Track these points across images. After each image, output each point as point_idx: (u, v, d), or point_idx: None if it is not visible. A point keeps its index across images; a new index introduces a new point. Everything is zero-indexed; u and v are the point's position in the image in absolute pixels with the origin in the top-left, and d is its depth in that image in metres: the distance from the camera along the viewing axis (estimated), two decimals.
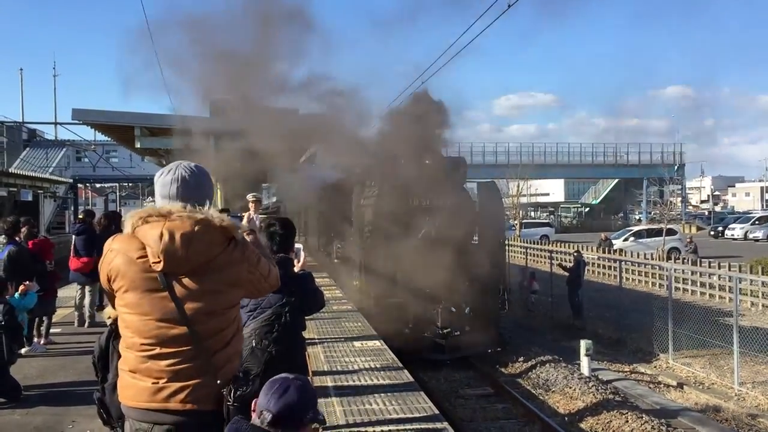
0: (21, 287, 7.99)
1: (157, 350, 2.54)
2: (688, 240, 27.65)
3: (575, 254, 18.69)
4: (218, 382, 2.51)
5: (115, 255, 2.61)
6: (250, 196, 8.51)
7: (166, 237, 2.51)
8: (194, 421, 2.52)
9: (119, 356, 2.73)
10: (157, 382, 2.53)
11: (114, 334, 3.18)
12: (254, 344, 4.09)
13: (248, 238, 2.96)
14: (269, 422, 2.16)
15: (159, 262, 2.51)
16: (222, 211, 3.14)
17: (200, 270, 2.55)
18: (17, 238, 9.13)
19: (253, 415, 2.22)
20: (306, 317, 4.62)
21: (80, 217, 11.81)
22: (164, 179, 2.70)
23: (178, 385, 2.52)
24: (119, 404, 2.71)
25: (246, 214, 2.75)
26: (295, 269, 4.52)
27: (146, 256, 2.54)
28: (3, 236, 9.13)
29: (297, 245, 4.72)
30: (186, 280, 2.55)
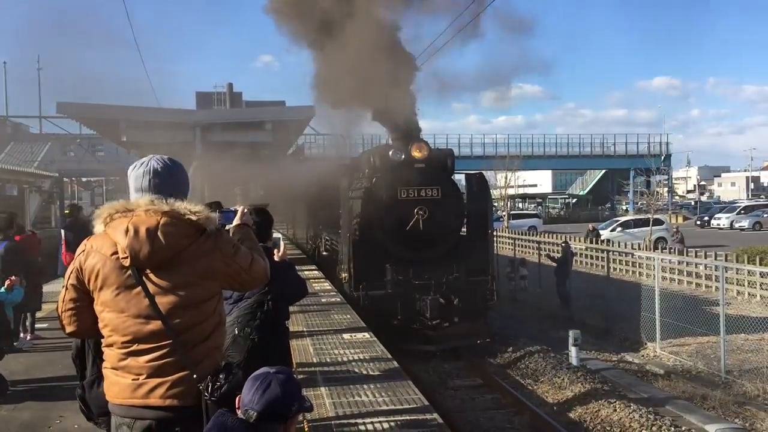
0: (7, 282, 7.94)
1: (135, 347, 2.53)
2: (675, 230, 27.79)
3: (563, 245, 18.77)
4: (194, 376, 2.50)
5: (88, 254, 2.59)
6: (237, 189, 8.48)
7: (131, 232, 2.50)
8: (175, 417, 2.51)
9: (95, 353, 2.72)
10: (137, 379, 2.52)
11: None
12: (236, 332, 4.09)
13: (235, 231, 2.94)
14: (255, 419, 2.15)
15: (126, 257, 2.50)
16: (212, 204, 3.11)
17: (170, 263, 2.54)
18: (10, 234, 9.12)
19: (239, 412, 2.21)
20: (291, 307, 4.62)
21: (66, 212, 11.72)
22: (137, 172, 2.68)
23: (157, 380, 2.51)
24: (99, 400, 2.70)
25: (240, 208, 2.74)
26: (276, 259, 4.51)
27: (118, 253, 2.53)
28: None
29: (276, 235, 4.70)
30: (157, 275, 2.53)
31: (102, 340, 2.66)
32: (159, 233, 2.50)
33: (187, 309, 2.55)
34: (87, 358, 3.05)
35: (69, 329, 2.71)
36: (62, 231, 10.71)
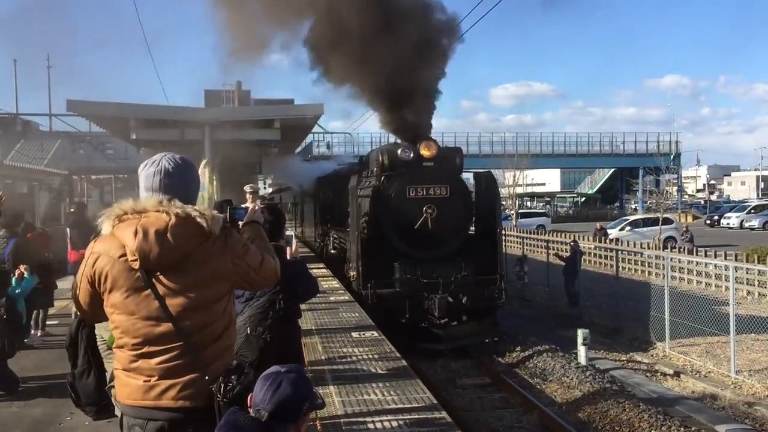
0: (17, 272, 7.95)
1: (146, 349, 2.53)
2: (684, 229, 27.68)
3: (572, 244, 18.71)
4: (206, 378, 2.50)
5: (97, 257, 2.58)
6: (247, 188, 8.47)
7: (140, 234, 2.48)
8: (188, 418, 2.51)
9: (87, 345, 2.74)
10: (149, 380, 2.52)
11: (83, 322, 3.20)
12: (249, 331, 4.09)
13: (246, 229, 2.93)
14: (266, 419, 2.15)
15: (136, 260, 2.49)
16: (224, 202, 3.11)
17: (180, 265, 2.52)
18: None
19: (250, 411, 2.21)
20: (301, 305, 4.63)
21: (71, 210, 11.80)
22: (147, 171, 2.67)
23: (169, 382, 2.51)
24: (87, 389, 2.71)
25: (251, 205, 2.74)
26: (287, 256, 4.52)
27: (127, 255, 2.52)
28: (3, 230, 9.13)
29: (288, 233, 4.72)
30: (167, 277, 2.52)
31: (96, 332, 2.67)
32: (168, 235, 2.49)
33: (197, 310, 2.54)
34: (79, 349, 3.07)
35: (89, 320, 2.75)
36: (68, 229, 10.78)
